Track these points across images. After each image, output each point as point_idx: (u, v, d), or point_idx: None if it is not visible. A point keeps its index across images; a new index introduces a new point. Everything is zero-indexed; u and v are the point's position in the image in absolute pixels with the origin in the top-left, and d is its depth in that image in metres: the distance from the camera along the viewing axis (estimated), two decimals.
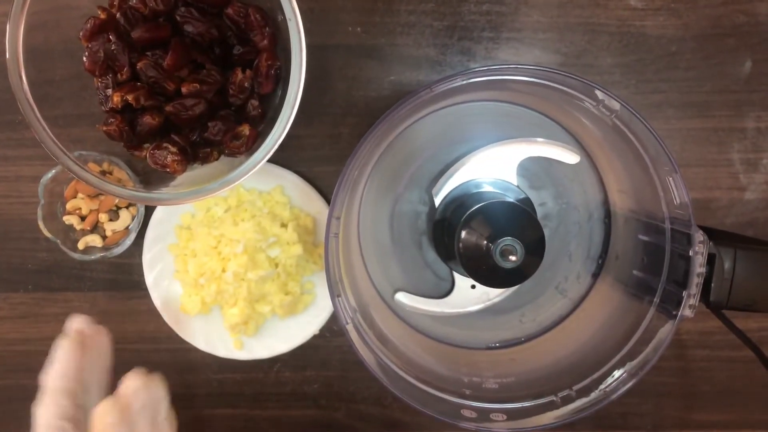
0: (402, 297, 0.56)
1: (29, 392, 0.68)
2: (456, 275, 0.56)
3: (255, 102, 0.58)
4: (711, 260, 0.45)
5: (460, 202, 0.53)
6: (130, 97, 0.54)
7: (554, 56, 0.63)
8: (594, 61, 0.63)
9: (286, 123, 0.53)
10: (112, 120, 0.56)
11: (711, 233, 0.46)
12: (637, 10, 0.63)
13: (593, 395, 0.47)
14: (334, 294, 0.46)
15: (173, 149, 0.56)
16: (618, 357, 0.48)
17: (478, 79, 0.44)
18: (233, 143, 0.57)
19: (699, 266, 0.44)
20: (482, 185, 0.54)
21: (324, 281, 0.63)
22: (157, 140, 0.57)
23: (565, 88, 0.45)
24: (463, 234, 0.48)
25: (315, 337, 0.65)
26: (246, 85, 0.56)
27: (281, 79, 0.58)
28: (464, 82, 0.44)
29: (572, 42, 0.63)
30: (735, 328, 0.50)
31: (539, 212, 0.56)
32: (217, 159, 0.60)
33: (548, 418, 0.47)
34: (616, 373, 0.48)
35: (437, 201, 0.54)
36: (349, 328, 0.47)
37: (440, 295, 0.57)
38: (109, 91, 0.55)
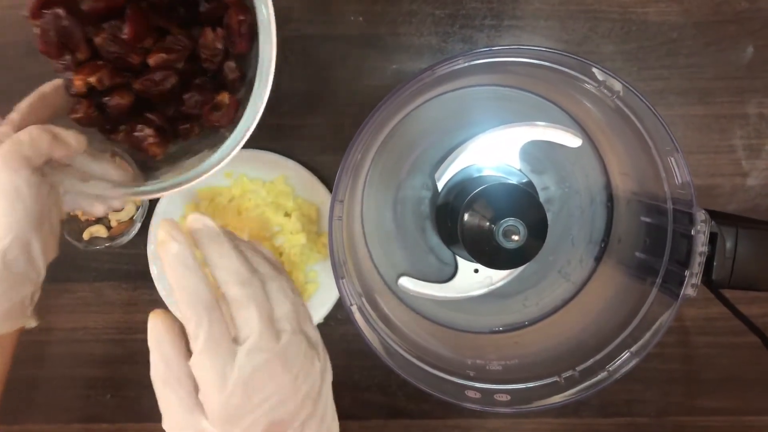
0: (405, 281, 0.57)
1: (36, 382, 0.69)
2: (459, 260, 0.56)
3: (231, 64, 0.53)
4: (713, 240, 0.46)
5: (462, 186, 0.53)
6: (92, 80, 0.49)
7: (556, 44, 0.64)
8: (596, 49, 0.64)
9: (267, 80, 0.48)
10: (79, 106, 0.51)
11: (713, 214, 0.46)
12: None
13: (597, 376, 0.48)
14: (338, 276, 0.46)
15: (149, 130, 0.52)
16: (621, 338, 0.49)
17: (480, 61, 0.44)
18: (213, 115, 0.52)
19: (701, 245, 0.44)
20: (485, 169, 0.54)
21: (328, 270, 0.64)
22: (133, 120, 0.53)
23: (565, 69, 0.45)
24: (466, 216, 0.48)
25: (319, 326, 0.65)
26: (218, 45, 0.51)
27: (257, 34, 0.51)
28: (466, 64, 0.44)
29: (574, 29, 0.63)
30: (736, 310, 0.51)
31: (542, 196, 0.56)
32: (198, 134, 0.56)
33: (552, 398, 0.47)
34: (620, 354, 0.48)
35: (440, 186, 0.54)
36: (354, 310, 0.47)
37: (443, 280, 0.57)
38: (70, 75, 0.50)
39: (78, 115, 0.50)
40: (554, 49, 0.43)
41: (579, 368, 0.49)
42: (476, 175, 0.54)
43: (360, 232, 0.57)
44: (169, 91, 0.51)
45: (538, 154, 0.55)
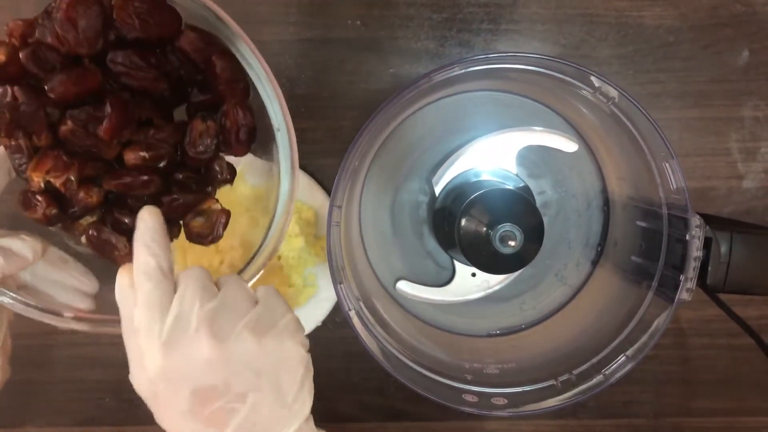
0: (403, 285, 0.57)
1: (36, 385, 0.69)
2: (456, 264, 0.57)
3: (223, 163, 0.46)
4: (708, 244, 0.46)
5: (460, 190, 0.53)
6: (57, 182, 0.40)
7: (553, 47, 0.64)
8: (592, 52, 0.64)
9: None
10: (36, 203, 0.41)
11: (708, 219, 0.47)
12: (635, 1, 0.63)
13: (593, 379, 0.48)
14: (336, 281, 0.46)
15: (121, 240, 0.43)
16: (617, 341, 0.49)
17: (476, 67, 0.45)
18: (195, 223, 0.45)
19: (696, 250, 0.45)
20: (482, 174, 0.54)
21: (326, 273, 0.64)
22: (98, 214, 0.44)
23: (562, 76, 0.46)
24: (464, 221, 0.49)
25: (318, 329, 0.66)
26: (209, 142, 0.43)
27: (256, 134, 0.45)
28: (462, 71, 0.44)
29: (570, 33, 0.63)
30: (732, 313, 0.51)
31: (538, 201, 0.56)
32: (177, 237, 0.48)
33: (548, 401, 0.48)
34: (616, 357, 0.48)
35: (437, 190, 0.55)
36: (352, 314, 0.47)
37: (441, 284, 0.57)
38: (23, 160, 0.40)
39: (36, 216, 0.42)
40: (550, 56, 0.44)
41: (575, 372, 0.49)
42: (473, 179, 0.54)
43: (358, 237, 0.57)
44: (147, 196, 0.44)
45: (535, 158, 0.56)
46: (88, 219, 0.45)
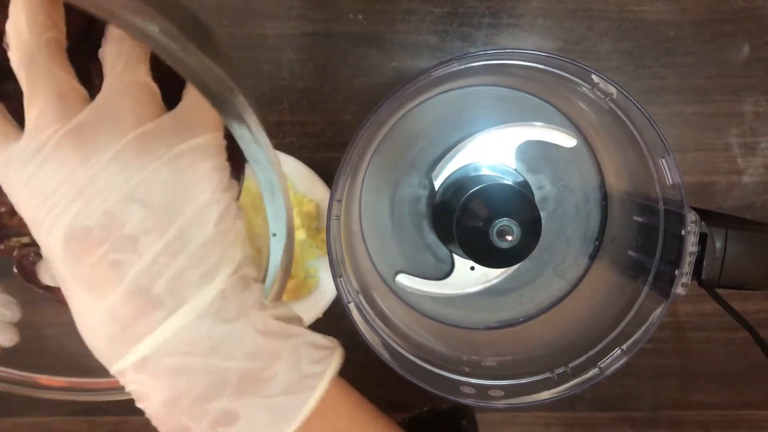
0: (403, 279, 0.57)
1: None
2: (456, 257, 0.57)
3: None
4: (703, 240, 0.46)
5: (459, 185, 0.54)
6: None
7: (553, 42, 0.64)
8: (593, 47, 0.64)
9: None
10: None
11: (704, 214, 0.47)
12: None
13: (588, 372, 0.48)
14: (336, 275, 0.47)
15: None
16: (613, 335, 0.50)
17: (476, 63, 0.45)
18: None
19: (691, 245, 0.45)
20: (481, 169, 0.55)
21: (327, 266, 0.65)
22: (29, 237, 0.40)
23: (561, 73, 0.46)
24: (462, 215, 0.49)
25: (319, 321, 0.66)
26: None
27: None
28: (462, 66, 0.45)
29: (571, 28, 0.64)
30: (729, 307, 0.51)
31: (537, 195, 0.57)
32: None
33: (544, 393, 0.48)
34: (611, 351, 0.49)
35: (437, 184, 0.55)
36: (351, 307, 0.48)
37: (440, 277, 0.58)
38: None
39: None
40: (549, 53, 0.44)
41: (571, 365, 0.50)
42: (472, 174, 0.54)
43: (358, 231, 0.58)
44: None
45: (534, 153, 0.56)
46: (20, 240, 0.41)
